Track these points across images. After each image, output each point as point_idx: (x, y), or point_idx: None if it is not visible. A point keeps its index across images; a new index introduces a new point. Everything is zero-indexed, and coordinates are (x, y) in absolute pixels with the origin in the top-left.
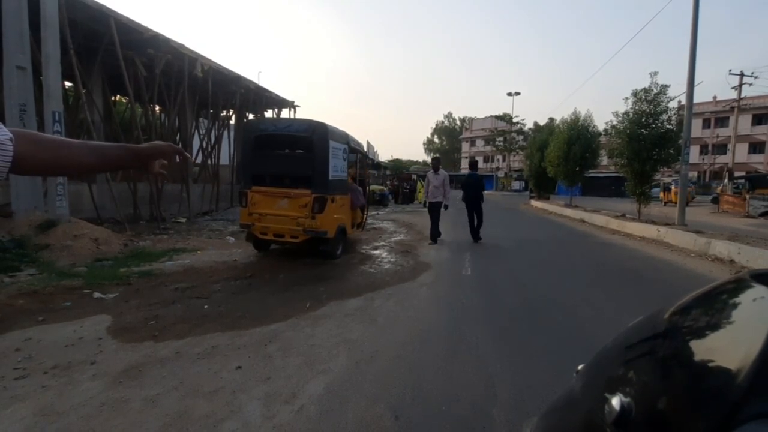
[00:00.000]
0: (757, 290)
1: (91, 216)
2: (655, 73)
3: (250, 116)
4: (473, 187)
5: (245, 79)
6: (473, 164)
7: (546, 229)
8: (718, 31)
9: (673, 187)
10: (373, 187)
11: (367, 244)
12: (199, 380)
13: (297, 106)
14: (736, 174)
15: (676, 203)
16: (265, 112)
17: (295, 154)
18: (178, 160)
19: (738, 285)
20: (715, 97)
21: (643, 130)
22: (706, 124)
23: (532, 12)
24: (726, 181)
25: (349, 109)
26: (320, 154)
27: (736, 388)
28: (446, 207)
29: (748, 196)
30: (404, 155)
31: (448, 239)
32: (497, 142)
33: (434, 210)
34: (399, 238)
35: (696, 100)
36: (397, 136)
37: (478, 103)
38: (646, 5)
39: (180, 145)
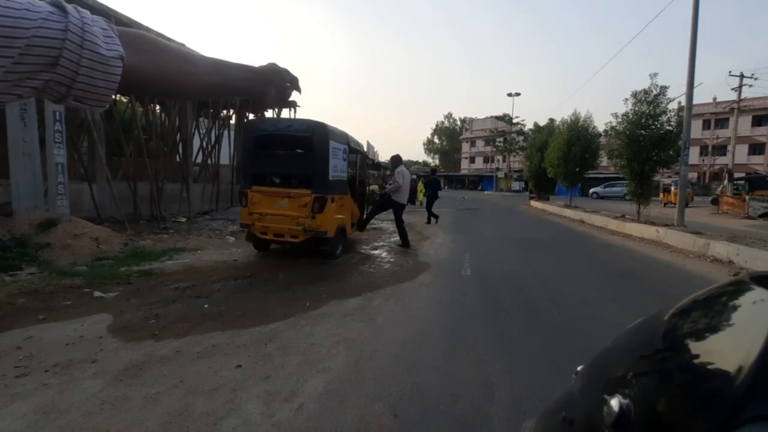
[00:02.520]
0: (757, 293)
1: (91, 215)
2: (655, 75)
3: (251, 116)
4: (434, 186)
5: None
6: (434, 170)
7: (545, 229)
8: (718, 33)
9: (672, 188)
10: (373, 186)
11: (367, 244)
12: (200, 379)
13: (297, 106)
14: (736, 175)
15: (675, 204)
16: (266, 112)
17: (295, 154)
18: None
19: (738, 287)
20: (715, 99)
21: (642, 131)
22: (706, 125)
23: (532, 13)
24: (726, 182)
25: (349, 109)
26: (320, 154)
27: (736, 390)
28: (382, 196)
29: (747, 198)
30: (404, 155)
31: (448, 239)
32: (497, 143)
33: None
34: (399, 238)
35: (696, 101)
36: (397, 136)
37: (478, 103)
38: (648, 6)
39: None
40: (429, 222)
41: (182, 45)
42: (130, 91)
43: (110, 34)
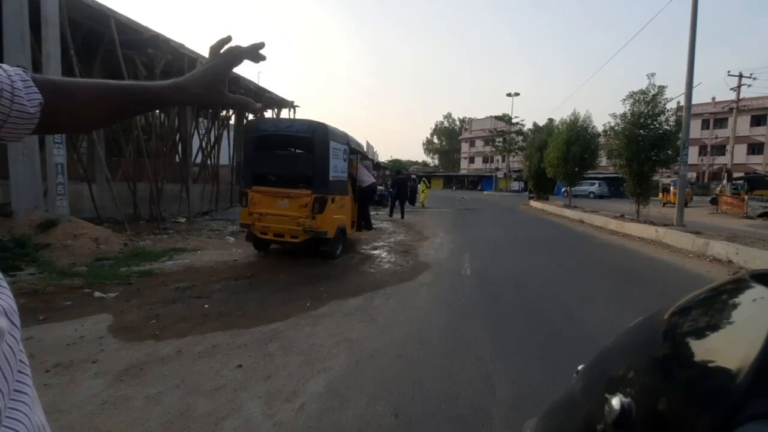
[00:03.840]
0: (757, 290)
1: (91, 216)
2: (653, 75)
3: (250, 116)
4: (401, 185)
5: (245, 80)
6: (399, 171)
7: (545, 229)
8: (717, 32)
9: (671, 188)
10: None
11: (367, 244)
12: (201, 379)
13: (297, 106)
14: (735, 175)
15: (674, 204)
16: (265, 113)
17: (295, 155)
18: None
19: (738, 285)
20: (713, 98)
21: (641, 131)
22: (705, 125)
23: (532, 13)
24: (725, 181)
25: (348, 109)
26: (320, 155)
27: (736, 388)
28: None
29: (746, 197)
30: (404, 155)
31: (448, 239)
32: (497, 143)
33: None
34: (399, 238)
35: (695, 101)
36: (397, 136)
37: (477, 103)
38: (647, 5)
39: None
40: (391, 215)
41: (181, 45)
42: (41, 130)
43: (30, 84)
